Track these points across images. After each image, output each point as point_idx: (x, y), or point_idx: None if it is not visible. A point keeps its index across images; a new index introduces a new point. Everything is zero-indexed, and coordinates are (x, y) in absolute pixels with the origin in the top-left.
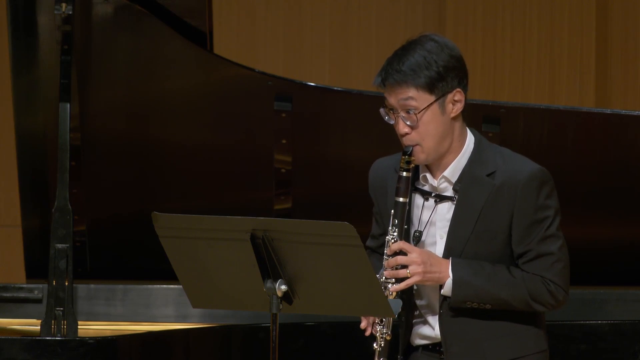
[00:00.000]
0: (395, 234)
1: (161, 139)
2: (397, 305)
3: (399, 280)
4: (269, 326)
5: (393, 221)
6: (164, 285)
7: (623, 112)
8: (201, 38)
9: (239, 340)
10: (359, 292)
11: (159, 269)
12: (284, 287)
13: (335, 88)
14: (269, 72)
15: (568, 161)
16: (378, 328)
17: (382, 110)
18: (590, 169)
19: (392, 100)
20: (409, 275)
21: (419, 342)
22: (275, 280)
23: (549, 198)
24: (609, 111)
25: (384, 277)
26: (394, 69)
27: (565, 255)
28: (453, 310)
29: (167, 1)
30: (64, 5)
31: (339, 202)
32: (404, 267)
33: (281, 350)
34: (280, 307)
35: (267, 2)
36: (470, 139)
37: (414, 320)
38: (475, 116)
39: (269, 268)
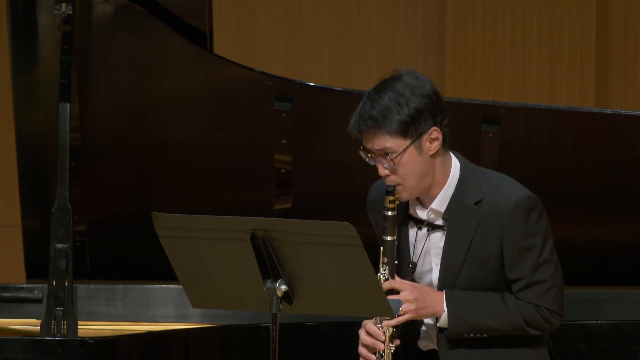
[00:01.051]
0: (385, 272)
1: (161, 139)
2: (397, 305)
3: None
4: (269, 326)
5: (383, 259)
6: (164, 285)
7: (623, 112)
8: (201, 38)
9: (239, 340)
10: (359, 292)
11: (159, 269)
12: (284, 287)
13: (335, 88)
14: (269, 72)
15: (568, 161)
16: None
17: (361, 153)
18: (590, 169)
19: (368, 145)
20: (402, 313)
21: (427, 348)
22: (275, 280)
23: (538, 224)
24: (609, 111)
25: None
26: (367, 116)
27: (558, 280)
28: (451, 339)
29: (167, 1)
30: (64, 5)
31: (339, 202)
32: None
33: (281, 350)
34: (280, 307)
35: (267, 2)
36: (455, 167)
37: (422, 329)
38: (475, 116)
39: (269, 268)
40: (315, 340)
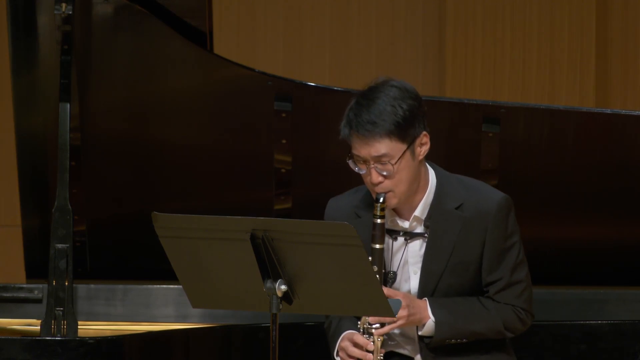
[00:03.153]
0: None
1: (161, 139)
2: (397, 306)
3: (382, 324)
4: (269, 326)
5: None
6: (164, 285)
7: (623, 112)
8: (201, 38)
9: (239, 340)
10: (359, 292)
11: (159, 269)
12: (284, 287)
13: (335, 88)
14: (269, 72)
15: (568, 161)
16: None
17: (349, 162)
18: (591, 169)
19: (363, 152)
20: (395, 320)
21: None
22: (275, 280)
23: (515, 224)
24: (609, 111)
25: (367, 323)
26: (366, 120)
27: (529, 278)
28: (433, 348)
29: (167, 1)
30: (64, 5)
31: None
32: None
33: (281, 350)
34: (280, 307)
35: (267, 2)
36: (431, 174)
37: (390, 343)
38: (475, 116)
39: (269, 268)
40: (315, 340)
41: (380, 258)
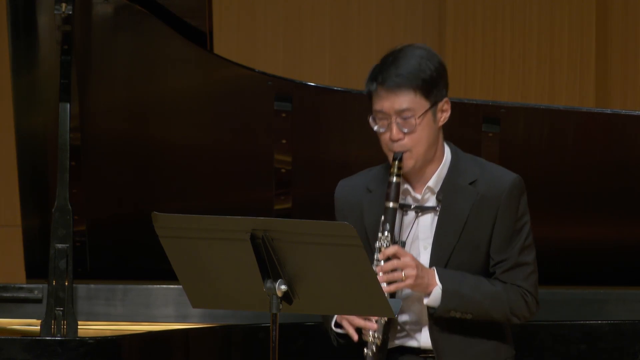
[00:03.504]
0: (388, 238)
1: (161, 139)
2: (397, 305)
3: (389, 283)
4: (269, 326)
5: (384, 227)
6: (164, 285)
7: (623, 112)
8: (201, 38)
9: (239, 340)
10: (359, 292)
11: (159, 269)
12: (284, 287)
13: (335, 88)
14: (269, 72)
15: (568, 161)
16: (371, 332)
17: (370, 119)
18: (590, 169)
19: (386, 105)
20: (404, 278)
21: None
22: (275, 280)
23: (526, 206)
24: (609, 111)
25: None
26: (393, 73)
27: (536, 265)
28: (440, 322)
29: (167, 1)
30: (64, 5)
31: None
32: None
33: (281, 350)
34: (280, 307)
35: (267, 2)
36: (447, 150)
37: (397, 335)
38: (475, 116)
39: (269, 268)
40: (315, 340)
41: (393, 217)
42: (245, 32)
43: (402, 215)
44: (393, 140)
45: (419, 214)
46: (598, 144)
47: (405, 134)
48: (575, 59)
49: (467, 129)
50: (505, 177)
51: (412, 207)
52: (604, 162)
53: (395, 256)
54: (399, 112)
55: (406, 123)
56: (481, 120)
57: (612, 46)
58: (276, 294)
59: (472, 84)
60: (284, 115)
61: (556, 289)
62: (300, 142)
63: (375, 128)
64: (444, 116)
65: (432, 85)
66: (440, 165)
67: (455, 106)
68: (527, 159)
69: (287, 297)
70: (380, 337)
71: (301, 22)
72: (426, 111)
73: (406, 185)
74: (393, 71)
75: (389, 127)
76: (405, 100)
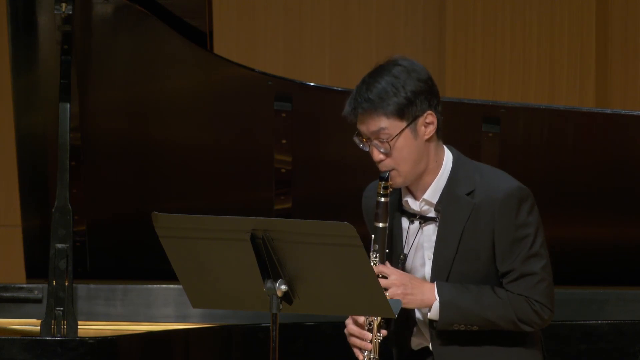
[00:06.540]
0: (376, 259)
1: (161, 139)
2: (397, 305)
3: None
4: (269, 326)
5: (374, 246)
6: (164, 285)
7: (623, 112)
8: (201, 38)
9: (239, 340)
10: (359, 292)
11: (159, 269)
12: (284, 287)
13: (335, 88)
14: (269, 72)
15: (568, 161)
16: (365, 353)
17: (355, 139)
18: (590, 169)
19: (363, 129)
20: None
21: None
22: (275, 280)
23: (529, 215)
24: (609, 111)
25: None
26: (363, 98)
27: (548, 274)
28: (444, 335)
29: (167, 1)
30: (64, 5)
31: (339, 202)
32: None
33: (281, 350)
34: (280, 307)
35: (267, 2)
36: (447, 158)
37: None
38: (475, 116)
39: (269, 268)
40: (315, 340)
41: (382, 237)
42: (245, 32)
43: (409, 224)
44: (375, 162)
45: (422, 223)
46: (598, 144)
47: (385, 155)
48: (575, 59)
49: (467, 129)
50: (502, 186)
51: (417, 217)
52: (604, 162)
53: (382, 275)
54: (374, 134)
55: (382, 145)
56: (481, 120)
57: (612, 46)
58: (276, 294)
59: (472, 84)
60: (284, 115)
61: (556, 289)
62: (300, 142)
63: (360, 147)
64: (429, 129)
65: (405, 105)
66: (438, 176)
67: (455, 106)
68: (527, 159)
69: (287, 297)
70: (376, 357)
71: (301, 22)
72: (402, 131)
73: (408, 197)
74: (364, 95)
75: (370, 148)
76: (377, 123)
